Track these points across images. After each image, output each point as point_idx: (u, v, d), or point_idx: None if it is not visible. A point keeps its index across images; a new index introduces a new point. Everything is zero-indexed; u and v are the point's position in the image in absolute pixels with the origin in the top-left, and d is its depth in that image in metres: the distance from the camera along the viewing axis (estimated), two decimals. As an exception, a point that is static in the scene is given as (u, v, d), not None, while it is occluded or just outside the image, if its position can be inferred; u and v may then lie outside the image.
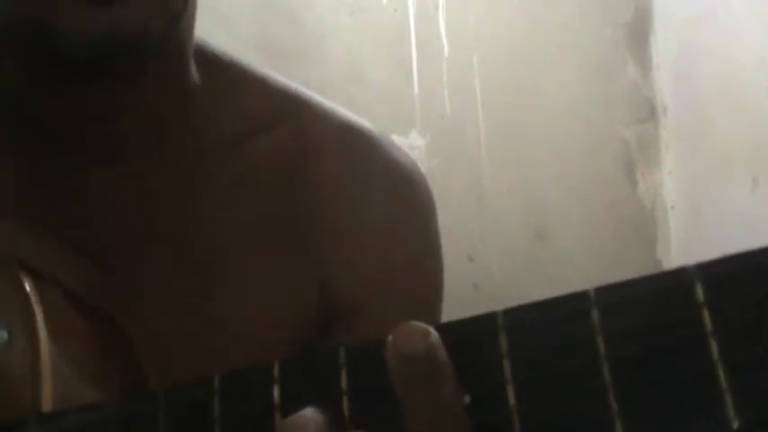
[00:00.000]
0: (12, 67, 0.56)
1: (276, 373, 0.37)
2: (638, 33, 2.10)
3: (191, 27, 0.60)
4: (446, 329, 0.34)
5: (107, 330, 0.53)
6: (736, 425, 0.28)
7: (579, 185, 1.98)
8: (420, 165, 0.68)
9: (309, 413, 0.35)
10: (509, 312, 0.33)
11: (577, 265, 1.88)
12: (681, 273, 0.30)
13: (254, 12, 1.78)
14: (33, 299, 0.48)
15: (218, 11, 1.71)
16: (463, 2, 1.96)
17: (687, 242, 1.96)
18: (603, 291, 0.31)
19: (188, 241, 0.60)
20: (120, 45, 0.51)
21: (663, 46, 2.07)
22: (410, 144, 1.85)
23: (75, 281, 0.55)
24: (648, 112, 2.08)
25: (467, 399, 0.33)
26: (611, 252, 1.95)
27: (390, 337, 0.34)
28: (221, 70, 0.63)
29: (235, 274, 0.60)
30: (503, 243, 1.89)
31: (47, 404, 0.46)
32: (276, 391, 0.37)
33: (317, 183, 0.63)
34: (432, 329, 0.34)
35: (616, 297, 0.31)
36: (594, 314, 0.31)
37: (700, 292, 0.29)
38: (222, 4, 1.73)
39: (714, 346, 0.28)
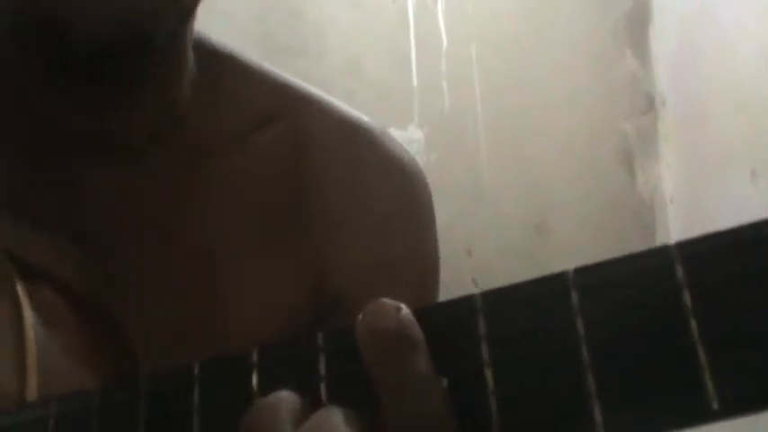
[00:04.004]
0: (16, 61, 0.56)
1: (255, 359, 0.37)
2: (637, 25, 2.09)
3: (192, 23, 0.60)
4: (424, 313, 0.34)
5: (103, 325, 0.53)
6: (715, 405, 0.27)
7: (578, 178, 1.98)
8: (419, 158, 0.68)
9: (283, 394, 0.35)
10: (487, 295, 0.33)
11: (577, 259, 1.86)
12: (661, 252, 0.29)
13: (254, 5, 1.78)
14: (21, 292, 0.48)
15: (218, 5, 1.70)
16: (462, -5, 1.96)
17: (686, 235, 1.94)
18: (583, 271, 0.31)
19: (187, 235, 0.60)
20: (131, 33, 0.51)
21: (662, 38, 2.07)
22: (409, 137, 1.85)
23: (72, 275, 0.55)
24: (647, 105, 2.07)
25: (444, 383, 0.33)
26: (611, 245, 1.94)
27: (361, 315, 0.34)
28: (220, 64, 0.63)
29: (235, 268, 0.60)
30: (502, 237, 1.89)
31: (32, 397, 0.46)
32: (255, 378, 0.37)
33: (316, 177, 0.62)
34: (402, 305, 0.34)
35: (596, 277, 0.31)
36: (574, 295, 0.31)
37: (680, 271, 0.29)
38: (222, -2, 1.73)
39: (694, 325, 0.28)
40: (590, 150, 2.00)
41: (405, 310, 0.34)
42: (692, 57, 1.98)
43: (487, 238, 1.87)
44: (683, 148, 2.00)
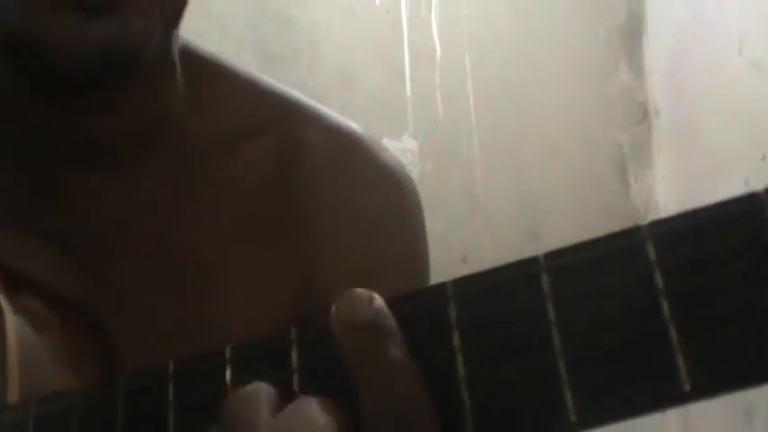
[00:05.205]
0: (2, 71, 0.56)
1: (228, 355, 0.37)
2: (631, 36, 2.10)
3: (178, 29, 0.60)
4: (398, 301, 0.34)
5: (88, 328, 0.52)
6: (687, 387, 0.27)
7: (572, 187, 1.98)
8: (413, 168, 0.68)
9: (259, 385, 0.35)
10: (459, 282, 0.32)
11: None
12: (633, 233, 0.29)
13: (248, 14, 1.78)
14: (3, 297, 0.48)
15: (212, 13, 1.71)
16: (456, 4, 1.96)
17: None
18: (553, 255, 0.31)
19: (177, 242, 0.60)
20: (118, 57, 0.51)
21: (655, 49, 2.07)
22: (403, 147, 1.84)
23: (57, 279, 0.55)
24: (641, 115, 2.08)
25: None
26: (604, 255, 1.94)
27: (335, 306, 0.34)
28: (210, 73, 0.63)
29: (223, 274, 0.60)
30: (496, 245, 1.89)
31: (13, 400, 0.45)
32: (228, 373, 0.37)
33: (306, 184, 0.62)
34: (375, 295, 0.34)
35: (566, 261, 0.30)
36: (544, 280, 0.30)
37: (651, 252, 0.28)
38: (216, 6, 1.73)
39: (666, 306, 0.27)
40: (584, 160, 2.00)
41: (378, 299, 0.34)
42: (686, 67, 1.99)
43: (482, 246, 1.87)
44: (677, 157, 2.00)
